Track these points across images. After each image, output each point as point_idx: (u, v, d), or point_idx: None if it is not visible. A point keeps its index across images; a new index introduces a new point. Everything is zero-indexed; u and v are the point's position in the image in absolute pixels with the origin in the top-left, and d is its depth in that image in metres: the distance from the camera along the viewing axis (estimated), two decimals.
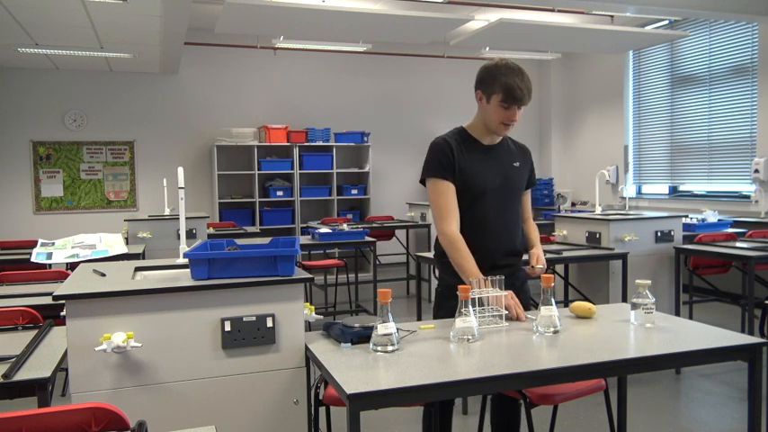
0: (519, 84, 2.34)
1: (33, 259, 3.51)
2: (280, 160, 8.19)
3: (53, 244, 3.67)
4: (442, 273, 2.55)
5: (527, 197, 2.67)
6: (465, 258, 2.34)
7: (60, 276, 3.74)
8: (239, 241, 2.36)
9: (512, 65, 2.37)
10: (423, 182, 2.50)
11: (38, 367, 2.00)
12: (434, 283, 6.63)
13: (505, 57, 2.57)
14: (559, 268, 4.85)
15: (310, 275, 2.17)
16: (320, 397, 2.25)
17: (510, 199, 2.51)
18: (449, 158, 2.40)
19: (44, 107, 7.77)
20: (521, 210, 2.60)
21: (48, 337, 2.38)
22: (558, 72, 9.60)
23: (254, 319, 2.03)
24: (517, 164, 2.54)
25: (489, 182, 2.44)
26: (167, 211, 5.97)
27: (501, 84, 2.34)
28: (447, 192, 2.40)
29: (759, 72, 6.67)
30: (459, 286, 2.03)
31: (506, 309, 2.23)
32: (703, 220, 5.59)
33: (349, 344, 1.99)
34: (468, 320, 2.01)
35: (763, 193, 6.48)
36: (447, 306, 2.34)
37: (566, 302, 4.89)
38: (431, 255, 4.44)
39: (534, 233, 2.66)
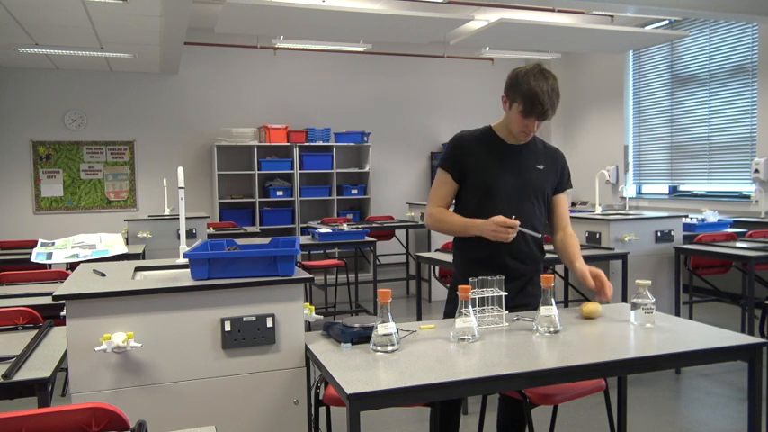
0: (542, 98, 2.24)
1: (33, 259, 3.51)
2: (280, 160, 8.19)
3: (53, 244, 3.67)
4: (457, 266, 2.55)
5: (561, 204, 2.56)
6: (452, 221, 2.43)
7: (60, 276, 3.73)
8: (239, 241, 2.37)
9: (540, 75, 2.26)
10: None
11: (38, 367, 2.00)
12: (434, 283, 6.66)
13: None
14: (559, 268, 4.85)
15: (310, 275, 2.17)
16: (320, 397, 2.25)
17: (527, 200, 2.42)
18: (456, 154, 2.44)
19: (44, 107, 7.76)
20: (543, 214, 2.49)
21: (48, 337, 2.38)
22: (557, 72, 9.53)
23: (254, 319, 2.03)
24: (541, 166, 2.46)
25: (501, 181, 2.39)
26: (167, 211, 5.96)
27: (523, 93, 2.26)
28: (443, 183, 2.48)
29: (759, 72, 6.66)
30: (459, 286, 2.03)
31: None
32: (703, 220, 5.59)
33: (349, 344, 1.99)
34: (468, 320, 2.01)
35: (763, 193, 6.48)
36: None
37: (565, 302, 4.88)
38: (431, 255, 4.45)
39: (573, 247, 2.51)
